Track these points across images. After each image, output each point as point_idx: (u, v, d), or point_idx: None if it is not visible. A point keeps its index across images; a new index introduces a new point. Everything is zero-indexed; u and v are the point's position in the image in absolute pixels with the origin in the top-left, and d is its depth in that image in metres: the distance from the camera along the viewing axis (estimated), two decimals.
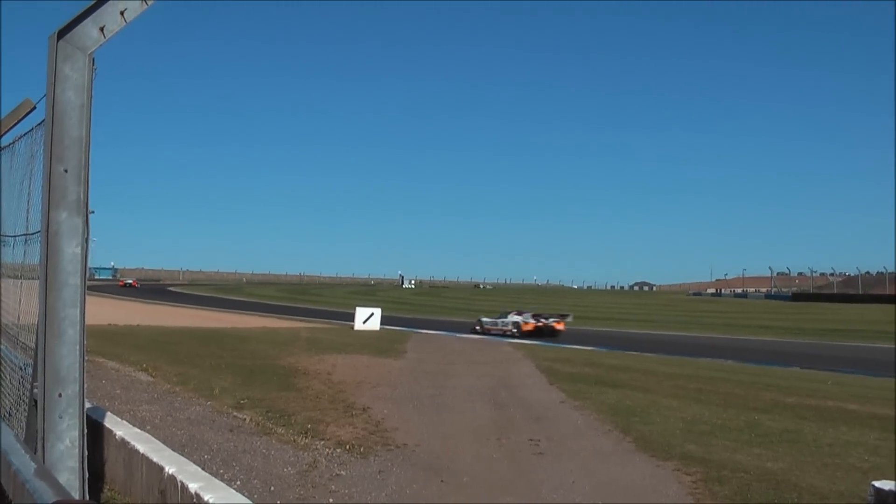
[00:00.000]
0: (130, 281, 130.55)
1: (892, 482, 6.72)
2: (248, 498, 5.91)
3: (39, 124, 5.78)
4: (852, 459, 10.95)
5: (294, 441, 11.11)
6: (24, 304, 6.41)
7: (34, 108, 6.05)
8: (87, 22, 5.25)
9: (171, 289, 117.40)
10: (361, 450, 10.78)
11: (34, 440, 5.45)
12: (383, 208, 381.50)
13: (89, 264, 5.60)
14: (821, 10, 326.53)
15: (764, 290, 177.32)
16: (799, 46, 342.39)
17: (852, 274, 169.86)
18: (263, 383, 16.69)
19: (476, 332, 41.14)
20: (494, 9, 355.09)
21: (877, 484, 6.73)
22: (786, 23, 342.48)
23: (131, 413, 12.13)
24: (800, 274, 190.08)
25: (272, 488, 8.70)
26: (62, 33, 5.20)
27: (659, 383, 19.08)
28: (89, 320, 5.73)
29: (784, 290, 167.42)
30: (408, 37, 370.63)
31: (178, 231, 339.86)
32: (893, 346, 34.51)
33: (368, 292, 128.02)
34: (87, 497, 5.61)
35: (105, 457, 8.08)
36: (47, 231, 5.22)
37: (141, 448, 7.28)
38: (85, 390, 5.49)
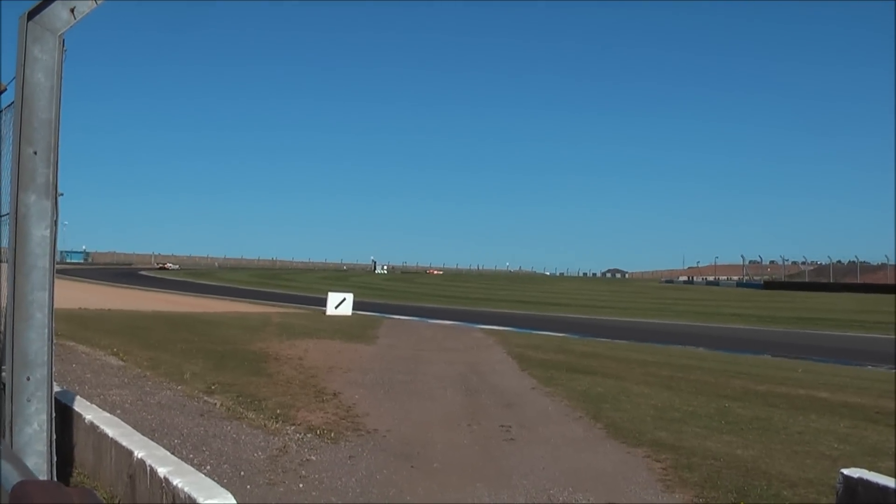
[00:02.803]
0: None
1: (861, 470, 6.79)
2: (218, 482, 5.90)
3: (9, 105, 5.73)
4: (822, 447, 11.05)
5: (265, 426, 11.10)
6: None
7: (5, 89, 5.99)
8: (58, 3, 5.20)
9: (143, 273, 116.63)
10: (332, 435, 10.78)
11: (2, 424, 5.42)
12: (356, 194, 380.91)
13: (59, 247, 5.56)
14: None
15: (736, 278, 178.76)
16: (775, 36, 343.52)
17: (823, 263, 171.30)
18: (234, 368, 16.64)
19: None
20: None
21: (846, 471, 6.81)
22: (758, 12, 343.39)
23: (101, 397, 12.07)
24: (771, 262, 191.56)
25: (242, 473, 8.69)
26: (32, 14, 5.15)
27: (630, 370, 19.16)
28: (60, 304, 5.70)
29: (756, 278, 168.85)
30: (380, 24, 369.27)
31: (150, 215, 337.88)
32: (893, 337, 34.76)
33: (341, 278, 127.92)
34: (56, 479, 5.58)
35: (74, 441, 8.04)
36: (16, 213, 5.17)
37: (110, 432, 7.25)
38: (53, 374, 5.46)
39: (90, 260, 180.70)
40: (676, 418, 12.95)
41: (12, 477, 3.24)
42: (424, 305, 53.59)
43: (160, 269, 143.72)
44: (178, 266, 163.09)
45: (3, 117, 6.00)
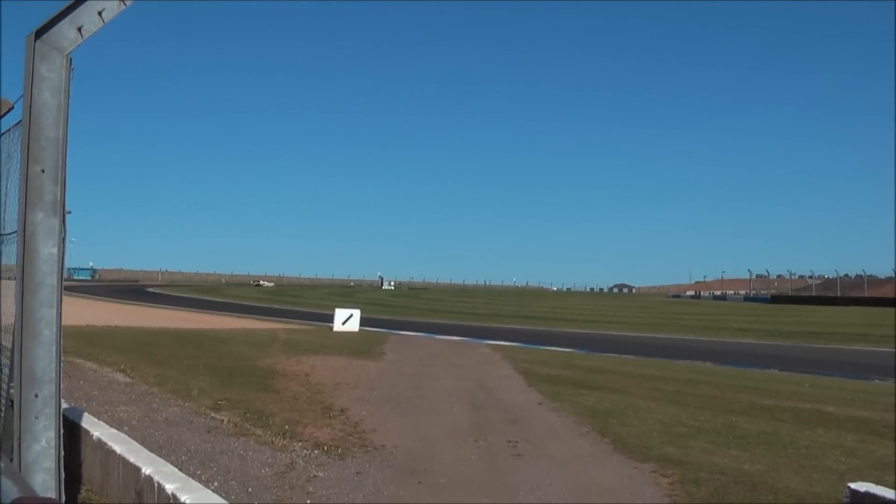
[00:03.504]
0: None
1: (868, 484, 6.80)
2: (225, 499, 5.91)
3: (17, 124, 5.77)
4: (829, 461, 11.02)
5: (272, 442, 11.10)
6: (1, 304, 6.37)
7: (12, 107, 6.03)
8: (65, 22, 5.25)
9: (150, 289, 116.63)
10: (339, 451, 10.78)
11: (10, 441, 5.45)
12: (363, 209, 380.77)
13: (67, 265, 5.60)
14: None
15: (742, 292, 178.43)
16: (784, 46, 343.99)
17: (831, 277, 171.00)
18: (241, 384, 16.64)
19: None
20: (477, 8, 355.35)
21: (852, 485, 6.82)
22: (765, 21, 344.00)
23: (109, 414, 12.09)
24: (778, 276, 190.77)
25: (249, 489, 8.70)
26: (39, 33, 5.19)
27: (637, 385, 19.13)
28: (67, 321, 5.72)
29: (763, 292, 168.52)
30: (388, 35, 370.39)
31: (157, 232, 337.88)
32: (894, 350, 34.67)
33: (348, 294, 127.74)
34: (63, 497, 5.60)
35: (82, 457, 8.06)
36: (24, 232, 5.21)
37: (118, 449, 7.27)
38: (61, 391, 5.48)
39: (97, 277, 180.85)
40: (683, 433, 12.93)
41: (12, 493, 3.28)
42: (431, 321, 53.51)
43: (255, 285, 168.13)
44: (272, 284, 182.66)
45: (11, 135, 6.04)
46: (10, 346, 5.75)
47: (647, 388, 18.71)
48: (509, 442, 12.00)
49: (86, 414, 9.03)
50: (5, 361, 6.01)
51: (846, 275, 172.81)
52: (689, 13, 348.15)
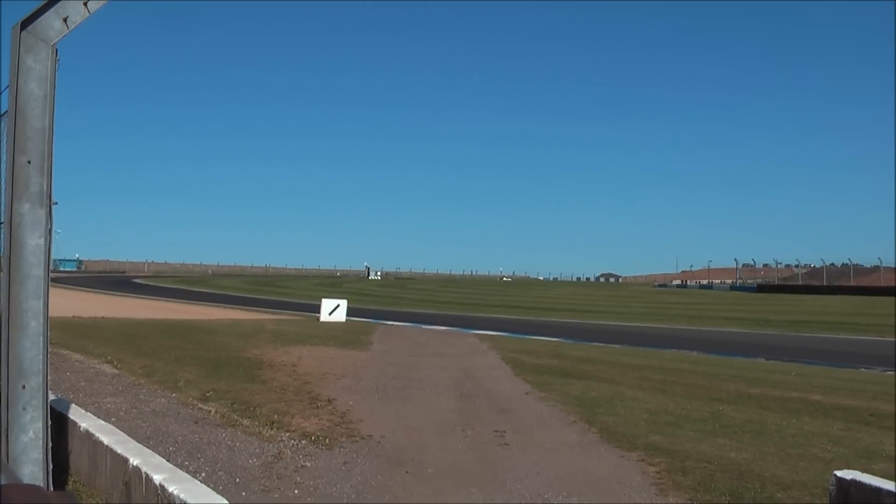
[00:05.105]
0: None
1: (854, 472, 6.84)
2: (213, 489, 5.91)
3: (2, 115, 5.75)
4: (815, 450, 11.07)
5: (259, 433, 11.10)
6: None
7: None
8: (51, 13, 5.24)
9: (136, 280, 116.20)
10: (327, 441, 10.79)
11: None
12: (350, 199, 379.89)
13: (53, 256, 5.58)
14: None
15: (729, 281, 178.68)
16: (767, 39, 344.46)
17: (817, 266, 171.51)
18: (229, 375, 16.63)
19: None
20: (457, 4, 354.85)
21: (838, 473, 6.85)
22: (749, 12, 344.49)
23: (96, 405, 12.07)
24: (765, 265, 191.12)
25: (237, 480, 8.71)
26: (25, 24, 5.18)
27: (624, 374, 19.18)
28: (53, 312, 5.72)
29: (749, 281, 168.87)
30: (371, 27, 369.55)
31: (143, 223, 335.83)
32: (890, 339, 34.82)
33: (334, 284, 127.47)
34: (52, 488, 5.60)
35: (69, 449, 8.06)
36: (10, 223, 5.20)
37: (105, 440, 7.27)
38: (48, 382, 5.48)
39: (83, 268, 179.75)
40: (670, 422, 12.98)
41: None
42: (418, 311, 53.51)
43: (366, 277, 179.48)
44: (510, 279, 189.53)
45: None
46: None
47: (635, 377, 18.77)
48: (497, 431, 12.03)
49: (73, 405, 9.01)
50: None
51: (832, 264, 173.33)
52: (671, 4, 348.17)
